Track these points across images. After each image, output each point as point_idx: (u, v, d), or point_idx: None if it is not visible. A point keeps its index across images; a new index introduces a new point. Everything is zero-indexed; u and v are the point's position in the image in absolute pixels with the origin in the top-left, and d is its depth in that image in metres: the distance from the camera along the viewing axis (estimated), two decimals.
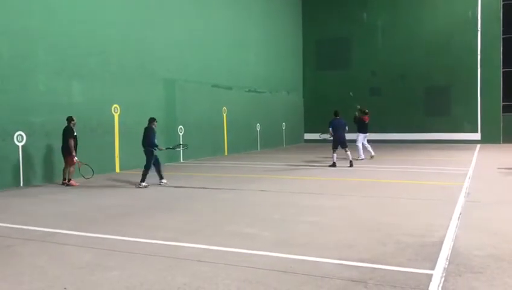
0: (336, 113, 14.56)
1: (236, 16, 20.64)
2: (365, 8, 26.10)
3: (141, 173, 10.81)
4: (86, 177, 11.24)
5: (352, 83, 26.13)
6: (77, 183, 11.12)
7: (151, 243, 5.73)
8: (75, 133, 11.22)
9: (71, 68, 12.48)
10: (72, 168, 11.20)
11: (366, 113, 16.43)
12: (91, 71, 13.07)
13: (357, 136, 16.24)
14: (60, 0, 12.22)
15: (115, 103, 13.81)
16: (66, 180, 11.16)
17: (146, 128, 11.01)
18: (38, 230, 6.55)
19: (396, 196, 8.98)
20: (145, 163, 10.86)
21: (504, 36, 23.48)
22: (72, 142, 11.00)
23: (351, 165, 13.84)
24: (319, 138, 15.54)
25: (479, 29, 23.73)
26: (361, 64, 26.17)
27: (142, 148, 10.99)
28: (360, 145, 16.12)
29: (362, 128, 16.26)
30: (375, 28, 25.95)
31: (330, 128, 14.21)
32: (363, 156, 15.96)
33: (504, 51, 23.48)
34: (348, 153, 14.10)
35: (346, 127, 14.45)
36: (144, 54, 15.03)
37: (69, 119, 11.24)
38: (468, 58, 23.91)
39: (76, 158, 11.05)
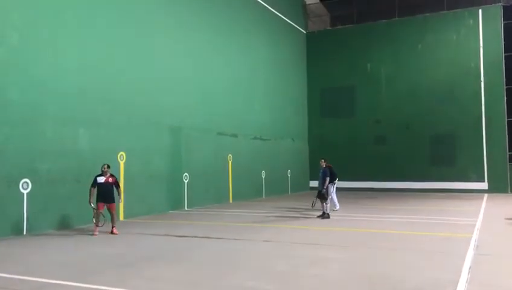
0: (326, 160, 14.02)
1: (242, 64, 21.12)
2: (369, 58, 26.65)
3: None
4: (98, 225, 10.87)
5: (357, 131, 26.34)
6: (118, 232, 10.88)
7: None
8: (101, 181, 10.94)
9: (78, 116, 12.65)
10: (113, 216, 11.02)
11: (325, 161, 14.79)
12: (98, 119, 13.25)
13: (330, 186, 14.49)
14: (69, 49, 12.55)
15: (121, 151, 13.90)
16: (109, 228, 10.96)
17: None
18: (37, 281, 6.41)
19: (402, 248, 8.78)
20: None
21: (507, 87, 23.75)
22: (92, 190, 10.84)
23: (324, 216, 13.27)
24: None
25: (482, 80, 24.05)
26: (365, 113, 26.41)
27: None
28: (334, 195, 15.11)
29: (331, 176, 14.44)
30: (378, 77, 26.38)
31: (327, 178, 13.46)
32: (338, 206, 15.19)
33: (508, 101, 23.65)
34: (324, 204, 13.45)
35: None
36: (151, 103, 15.26)
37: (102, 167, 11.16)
38: (472, 108, 24.08)
39: (92, 205, 10.77)
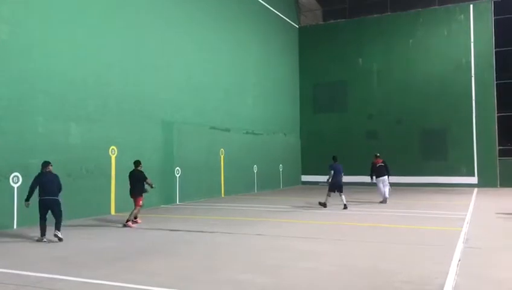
0: (334, 158, 14.96)
1: (234, 59, 21.06)
2: (361, 53, 26.69)
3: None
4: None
5: (349, 126, 26.43)
6: (134, 226, 11.11)
7: (143, 289, 5.60)
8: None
9: (69, 110, 12.57)
10: (135, 210, 11.34)
11: (376, 157, 16.59)
12: (89, 113, 13.16)
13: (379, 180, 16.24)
14: (60, 43, 12.43)
15: (112, 145, 13.84)
16: (129, 221, 11.16)
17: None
18: (32, 275, 6.39)
19: (394, 241, 8.87)
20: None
21: (497, 82, 23.94)
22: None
23: (345, 208, 14.15)
24: (326, 183, 15.33)
25: (473, 75, 24.22)
26: (357, 108, 26.48)
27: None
28: (381, 187, 16.18)
29: (374, 171, 16.30)
30: (370, 73, 26.44)
31: (332, 172, 14.54)
32: (386, 196, 16.05)
33: (498, 96, 23.87)
34: (343, 197, 14.45)
35: (342, 173, 14.86)
36: (143, 97, 15.20)
37: (137, 163, 11.65)
38: (462, 103, 24.25)
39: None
